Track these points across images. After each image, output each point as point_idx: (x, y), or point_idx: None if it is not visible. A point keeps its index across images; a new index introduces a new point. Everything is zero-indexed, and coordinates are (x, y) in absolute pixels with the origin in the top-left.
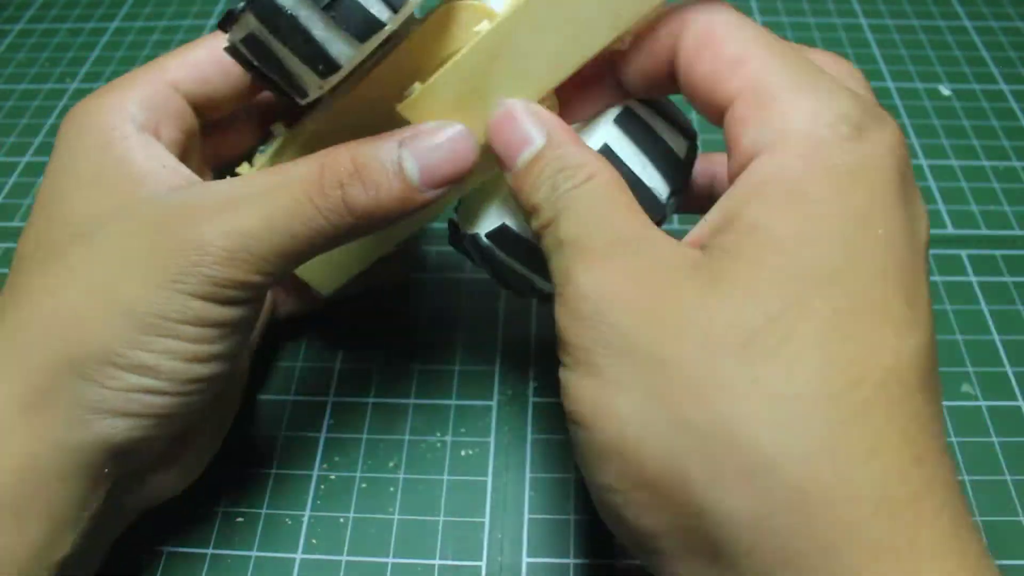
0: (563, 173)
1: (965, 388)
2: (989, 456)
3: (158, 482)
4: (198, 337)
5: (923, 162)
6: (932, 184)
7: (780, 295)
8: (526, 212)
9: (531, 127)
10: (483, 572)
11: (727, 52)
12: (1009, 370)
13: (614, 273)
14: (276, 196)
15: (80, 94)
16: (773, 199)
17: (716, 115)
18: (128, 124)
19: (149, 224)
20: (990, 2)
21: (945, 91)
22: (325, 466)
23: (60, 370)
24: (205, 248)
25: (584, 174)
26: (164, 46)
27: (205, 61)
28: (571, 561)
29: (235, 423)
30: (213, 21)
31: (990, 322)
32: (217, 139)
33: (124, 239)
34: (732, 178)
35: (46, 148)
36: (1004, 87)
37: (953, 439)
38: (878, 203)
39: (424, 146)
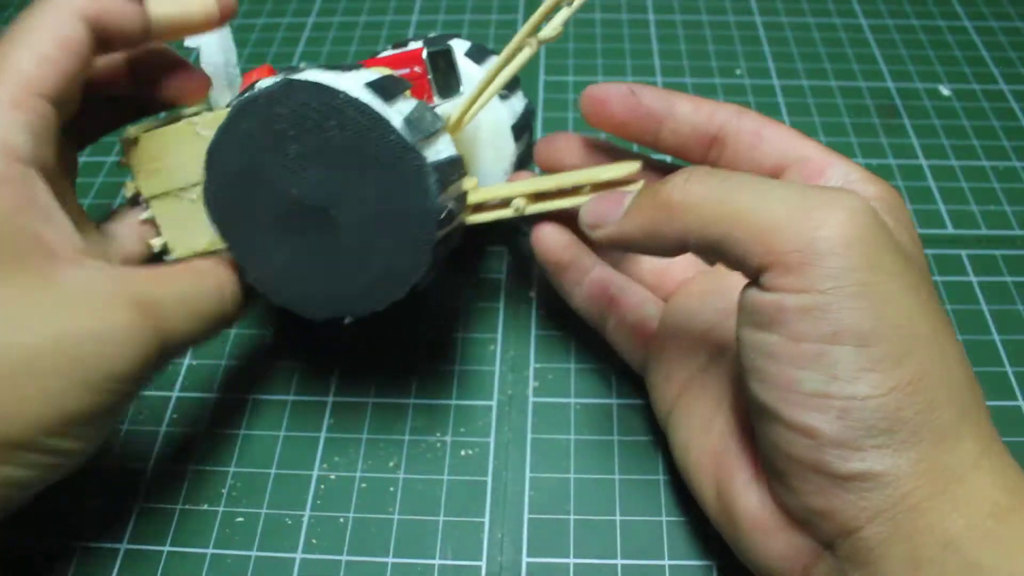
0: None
1: None
2: None
3: None
4: (99, 426)
5: (923, 162)
6: (932, 184)
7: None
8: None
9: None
10: (483, 572)
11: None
12: (1009, 370)
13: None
14: (192, 296)
15: None
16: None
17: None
18: (13, 163)
19: (70, 304)
20: (990, 2)
21: (945, 91)
22: (325, 466)
23: None
24: (138, 353)
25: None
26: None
27: (57, 53)
28: (571, 561)
29: (235, 422)
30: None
31: (990, 322)
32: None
33: (42, 318)
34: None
35: None
36: (1004, 87)
37: None
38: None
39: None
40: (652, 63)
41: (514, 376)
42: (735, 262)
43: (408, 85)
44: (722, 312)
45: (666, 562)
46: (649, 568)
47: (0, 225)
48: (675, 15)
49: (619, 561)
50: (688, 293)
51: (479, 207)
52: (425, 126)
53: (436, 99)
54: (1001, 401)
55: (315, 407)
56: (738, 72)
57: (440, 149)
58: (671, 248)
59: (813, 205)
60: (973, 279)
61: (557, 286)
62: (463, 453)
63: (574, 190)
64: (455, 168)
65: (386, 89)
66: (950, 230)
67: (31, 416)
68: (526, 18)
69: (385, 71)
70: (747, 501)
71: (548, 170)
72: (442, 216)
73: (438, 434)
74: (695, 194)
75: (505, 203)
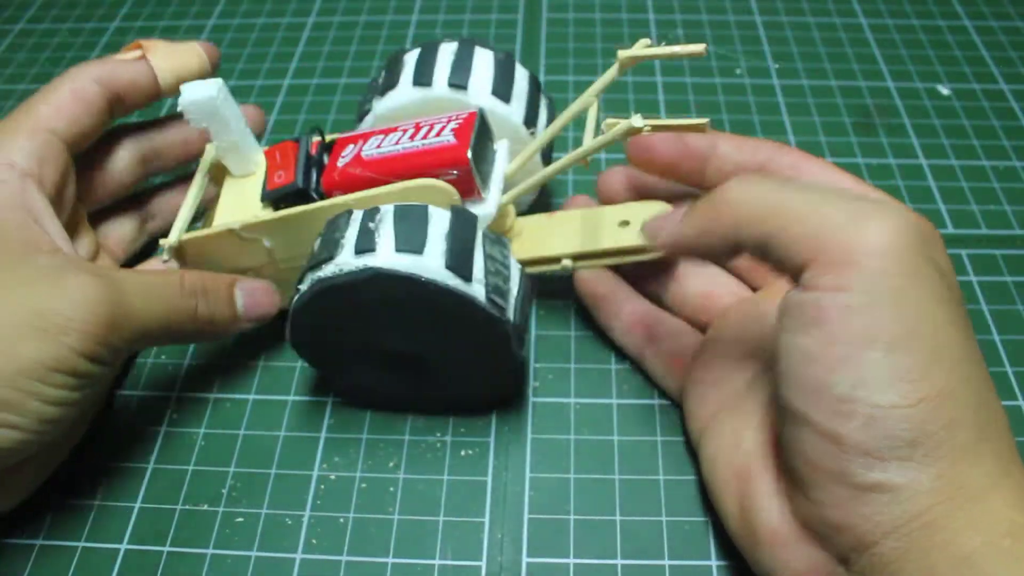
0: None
1: None
2: None
3: None
4: (64, 384)
5: (923, 162)
6: (932, 184)
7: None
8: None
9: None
10: (483, 572)
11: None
12: (1009, 370)
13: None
14: (154, 286)
15: None
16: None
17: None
18: (11, 170)
19: (42, 278)
20: (990, 2)
21: (945, 91)
22: (325, 466)
23: None
24: (95, 311)
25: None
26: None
27: (70, 101)
28: (571, 561)
29: (235, 423)
30: (213, 21)
31: (990, 322)
32: (92, 177)
33: (15, 283)
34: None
35: None
36: (1004, 87)
37: None
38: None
39: (251, 293)
40: (652, 63)
41: None
42: (781, 260)
43: (474, 233)
44: (760, 337)
45: (666, 562)
46: (649, 568)
47: None
48: (675, 15)
49: (619, 561)
50: (729, 318)
51: (529, 262)
52: (505, 289)
53: (483, 193)
54: (1001, 401)
55: (315, 407)
56: (738, 72)
57: (515, 293)
58: (724, 247)
59: (862, 211)
60: (973, 279)
61: (597, 319)
62: (463, 453)
63: (615, 251)
64: (528, 301)
65: (464, 263)
66: (950, 230)
67: None
68: (526, 17)
69: (431, 184)
70: (768, 514)
71: (607, 200)
72: (523, 344)
73: (438, 434)
74: (749, 193)
75: (555, 260)
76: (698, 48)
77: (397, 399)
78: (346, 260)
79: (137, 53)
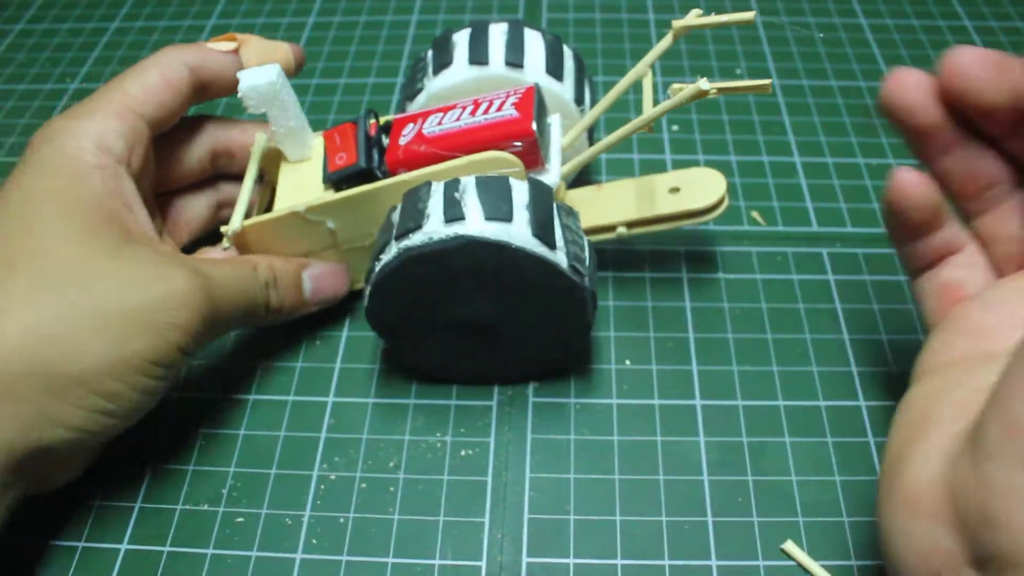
0: None
1: None
2: None
3: (46, 479)
4: (161, 376)
5: None
6: None
7: None
8: None
9: None
10: (483, 572)
11: None
12: None
13: None
14: (237, 280)
15: (81, 94)
16: None
17: None
18: (107, 156)
19: (143, 270)
20: (990, 2)
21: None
22: (325, 466)
23: (31, 379)
24: (196, 307)
25: None
26: (164, 46)
27: (159, 85)
28: (571, 561)
29: (235, 422)
30: (213, 21)
31: None
32: (166, 163)
33: (122, 275)
34: None
35: None
36: None
37: None
38: None
39: (319, 274)
40: (655, 65)
41: None
42: None
43: (551, 203)
44: None
45: (666, 562)
46: (649, 568)
47: (95, 201)
48: (675, 15)
49: (619, 561)
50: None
51: (586, 232)
52: (583, 257)
53: (547, 165)
54: None
55: (315, 407)
56: (738, 72)
57: (588, 261)
58: None
59: None
60: None
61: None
62: (463, 453)
63: (670, 216)
64: (596, 269)
65: (548, 231)
66: None
67: (95, 357)
68: (526, 17)
69: (497, 157)
70: (919, 470)
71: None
72: (595, 310)
73: (438, 434)
74: None
75: (609, 228)
76: (748, 15)
77: (462, 370)
78: (436, 229)
79: (231, 45)
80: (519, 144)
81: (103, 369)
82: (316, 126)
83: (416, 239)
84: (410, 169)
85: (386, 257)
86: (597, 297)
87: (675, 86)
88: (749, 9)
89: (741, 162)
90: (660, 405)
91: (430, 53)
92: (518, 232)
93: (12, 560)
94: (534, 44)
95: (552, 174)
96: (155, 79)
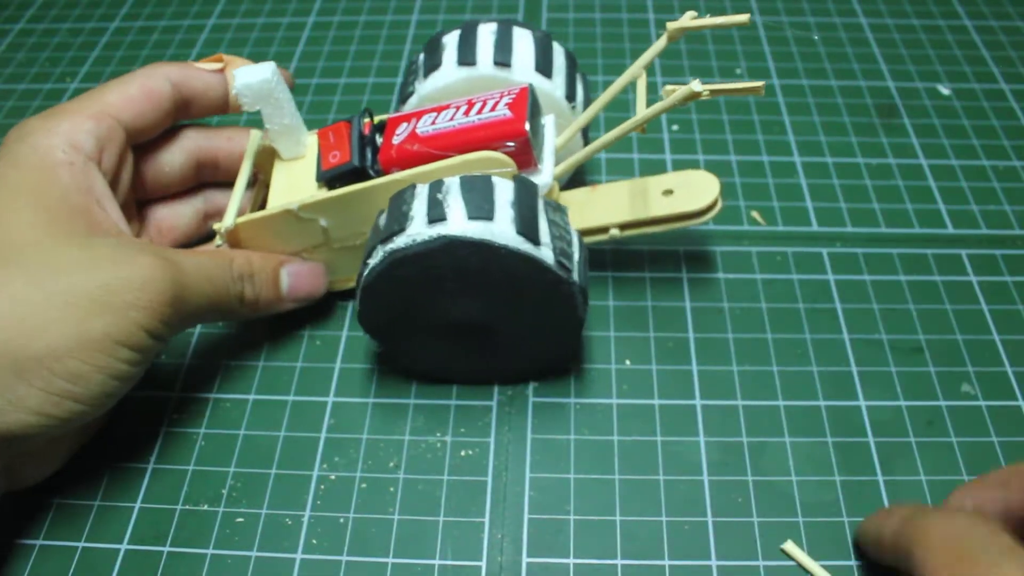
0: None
1: (965, 388)
2: (989, 456)
3: (18, 472)
4: (128, 359)
5: (923, 162)
6: (932, 184)
7: None
8: None
9: None
10: (483, 572)
11: None
12: (1009, 370)
13: None
14: (208, 268)
15: (80, 93)
16: None
17: None
18: (77, 153)
19: (109, 257)
20: (990, 2)
21: (945, 91)
22: (325, 466)
23: None
24: (160, 288)
25: None
26: (164, 46)
27: (139, 95)
28: (571, 561)
29: (235, 423)
30: (213, 20)
31: (990, 322)
32: (147, 172)
33: (85, 259)
34: None
35: None
36: (1004, 86)
37: (953, 439)
38: None
39: (297, 272)
40: (652, 63)
41: None
42: None
43: (537, 200)
44: None
45: (666, 562)
46: (649, 568)
47: (62, 194)
48: (675, 15)
49: (619, 561)
50: None
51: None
52: (570, 252)
53: (540, 165)
54: (1001, 401)
55: (315, 407)
56: (738, 72)
57: (577, 256)
58: None
59: None
60: (973, 279)
61: None
62: (463, 453)
63: (663, 219)
64: (585, 261)
65: (532, 228)
66: (950, 230)
67: (57, 336)
68: (526, 17)
69: (491, 155)
70: None
71: None
72: (587, 304)
73: (438, 434)
74: None
75: (602, 230)
76: (743, 18)
77: (456, 370)
78: (418, 230)
79: (218, 65)
80: (512, 144)
81: (66, 349)
82: (316, 125)
83: (400, 241)
84: (403, 168)
85: (373, 261)
86: (588, 293)
87: (668, 87)
88: (748, 10)
89: (741, 162)
90: (660, 405)
91: (422, 56)
92: (501, 230)
93: (12, 560)
94: (523, 43)
95: (545, 174)
96: (135, 89)
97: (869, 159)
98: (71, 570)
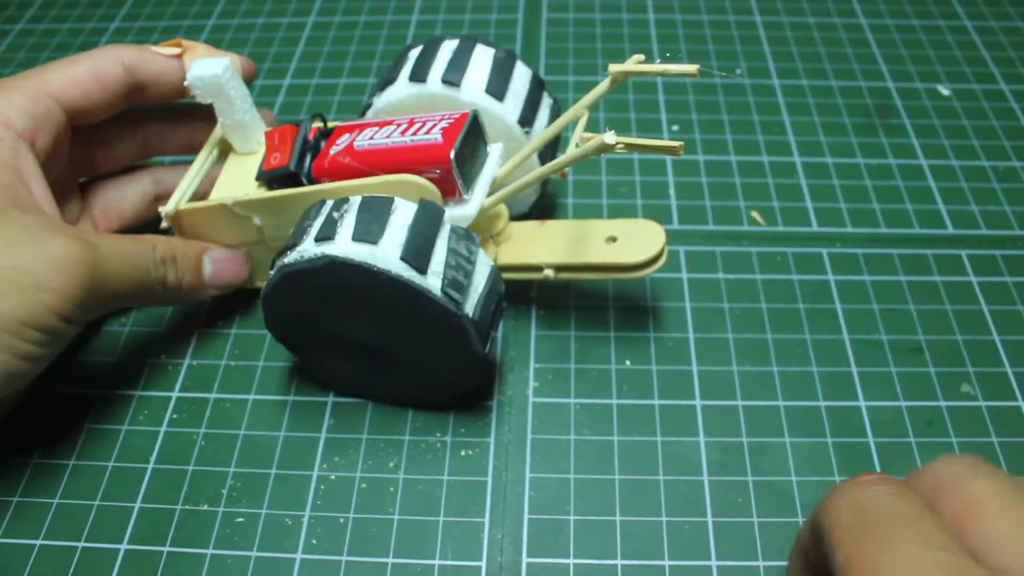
0: None
1: (965, 388)
2: (989, 456)
3: None
4: (36, 340)
5: (923, 162)
6: (932, 184)
7: None
8: None
9: None
10: (483, 572)
11: None
12: (1009, 370)
13: None
14: (130, 251)
15: None
16: None
17: None
18: (6, 130)
19: (23, 236)
20: (990, 2)
21: (945, 91)
22: (325, 466)
23: None
24: (73, 271)
25: None
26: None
27: (87, 77)
28: (571, 561)
29: (235, 423)
30: (213, 21)
31: (990, 322)
32: (92, 148)
33: (2, 234)
34: None
35: None
36: (1004, 87)
37: (953, 439)
38: None
39: (221, 259)
40: (652, 62)
41: (514, 376)
42: None
43: (437, 227)
44: None
45: (666, 562)
46: (649, 568)
47: None
48: (675, 15)
49: (619, 561)
50: None
51: (512, 268)
52: (465, 284)
53: (466, 194)
54: (1001, 401)
55: (315, 407)
56: (739, 72)
57: (477, 284)
58: None
59: None
60: (973, 279)
61: None
62: (463, 453)
63: (600, 266)
64: (494, 296)
65: (420, 255)
66: (950, 230)
67: None
68: (526, 18)
69: (410, 180)
70: None
71: None
72: (488, 341)
73: (438, 434)
74: None
75: (537, 268)
76: (691, 68)
77: (367, 388)
78: (307, 248)
79: (175, 50)
80: (437, 171)
81: None
82: (317, 111)
83: (290, 257)
84: (332, 180)
85: (272, 272)
86: (493, 329)
87: (584, 135)
88: (749, 12)
89: (741, 162)
90: (660, 405)
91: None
92: (383, 254)
93: (12, 561)
94: (480, 62)
95: (471, 205)
96: (83, 70)
97: (869, 159)
98: (71, 570)
